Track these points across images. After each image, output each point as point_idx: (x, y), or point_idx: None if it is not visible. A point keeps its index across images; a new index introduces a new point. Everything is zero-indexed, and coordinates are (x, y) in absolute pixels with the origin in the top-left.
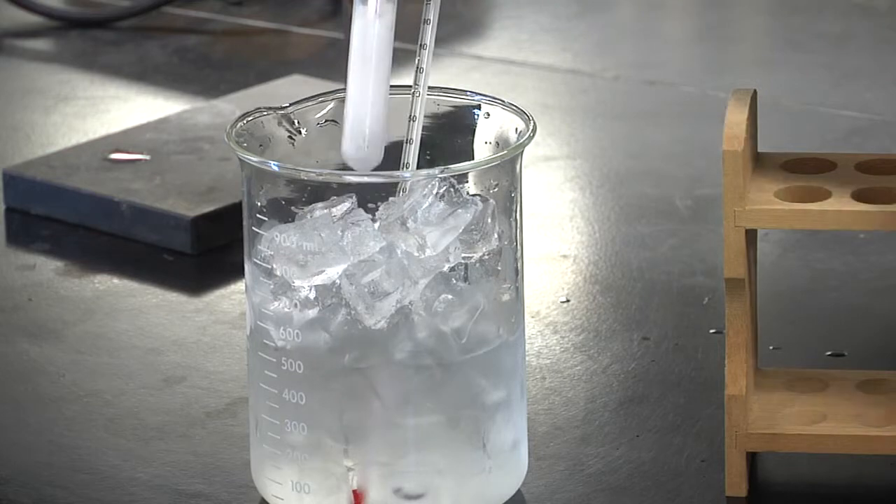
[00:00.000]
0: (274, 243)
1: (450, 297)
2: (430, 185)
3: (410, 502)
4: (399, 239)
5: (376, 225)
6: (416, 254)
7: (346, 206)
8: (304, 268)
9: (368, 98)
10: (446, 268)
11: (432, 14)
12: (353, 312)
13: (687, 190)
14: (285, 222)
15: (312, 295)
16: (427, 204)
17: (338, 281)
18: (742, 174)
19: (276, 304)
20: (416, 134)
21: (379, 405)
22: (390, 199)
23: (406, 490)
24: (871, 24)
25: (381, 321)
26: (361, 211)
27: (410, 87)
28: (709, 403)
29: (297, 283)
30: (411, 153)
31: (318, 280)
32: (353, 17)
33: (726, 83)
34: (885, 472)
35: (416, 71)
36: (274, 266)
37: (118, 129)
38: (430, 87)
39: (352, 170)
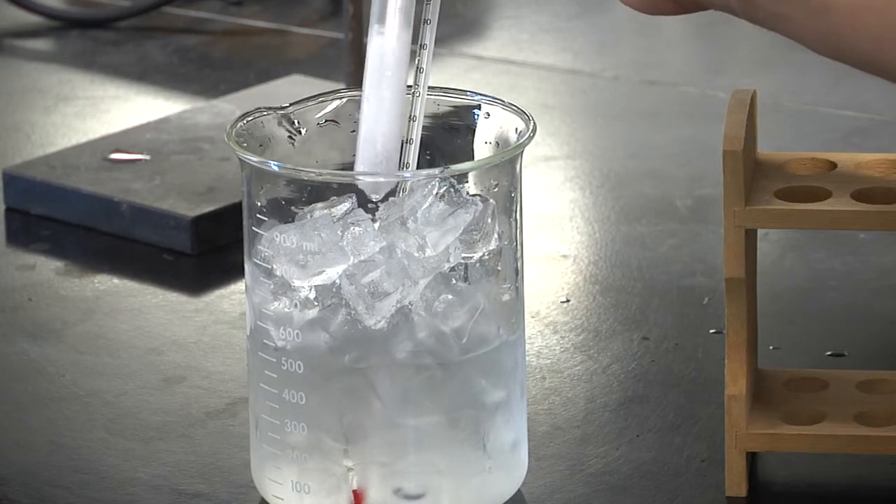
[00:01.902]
0: (274, 243)
1: (450, 297)
2: (430, 185)
3: (410, 502)
4: (399, 239)
5: (376, 225)
6: (416, 254)
7: (346, 206)
8: (304, 268)
9: (383, 120)
10: (446, 268)
11: (432, 14)
12: (353, 312)
13: (687, 190)
14: (285, 222)
15: (312, 295)
16: (427, 204)
17: (338, 281)
18: (742, 174)
19: (276, 304)
20: (416, 134)
21: (379, 405)
22: (390, 199)
23: (406, 490)
24: None
25: (381, 321)
26: (361, 211)
27: (410, 87)
28: (709, 403)
29: (297, 283)
30: (411, 153)
31: (318, 280)
32: (370, 36)
33: (726, 83)
34: (885, 472)
35: (416, 71)
36: (274, 266)
37: (118, 129)
38: (430, 87)
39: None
